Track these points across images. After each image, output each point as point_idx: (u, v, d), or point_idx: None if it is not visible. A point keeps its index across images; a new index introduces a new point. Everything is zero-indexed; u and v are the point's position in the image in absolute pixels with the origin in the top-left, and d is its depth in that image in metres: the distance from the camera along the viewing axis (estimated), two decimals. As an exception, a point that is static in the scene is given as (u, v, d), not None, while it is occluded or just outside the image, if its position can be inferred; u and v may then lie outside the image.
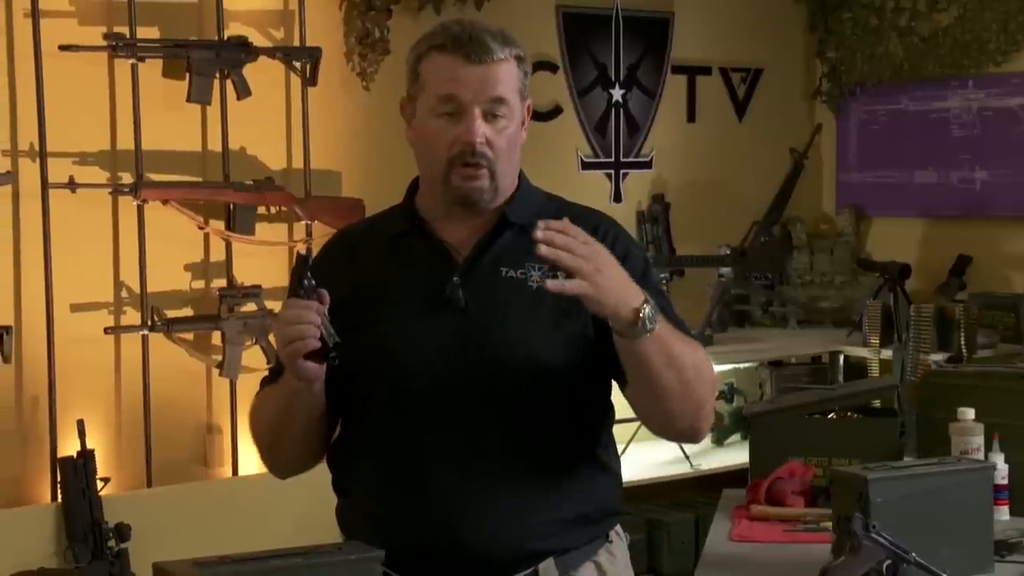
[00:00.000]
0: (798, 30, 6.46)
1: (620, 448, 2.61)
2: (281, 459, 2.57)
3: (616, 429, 2.57)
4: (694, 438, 2.51)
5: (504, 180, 2.46)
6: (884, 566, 2.51)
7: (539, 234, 2.21)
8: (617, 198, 5.91)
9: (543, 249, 2.20)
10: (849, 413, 3.50)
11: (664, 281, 5.75)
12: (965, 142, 6.05)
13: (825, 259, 6.25)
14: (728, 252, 5.75)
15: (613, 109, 5.88)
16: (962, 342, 5.31)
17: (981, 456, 3.11)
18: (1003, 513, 3.13)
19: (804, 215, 6.35)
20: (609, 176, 5.90)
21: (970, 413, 3.15)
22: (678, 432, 2.54)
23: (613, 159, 5.90)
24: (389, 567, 2.35)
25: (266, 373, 2.64)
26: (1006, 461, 3.14)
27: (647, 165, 6.00)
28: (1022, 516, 3.11)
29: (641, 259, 2.50)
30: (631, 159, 5.95)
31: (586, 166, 5.83)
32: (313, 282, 2.32)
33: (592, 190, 5.76)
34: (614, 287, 2.25)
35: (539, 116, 5.62)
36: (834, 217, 6.48)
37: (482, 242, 2.46)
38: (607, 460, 2.53)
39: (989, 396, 3.25)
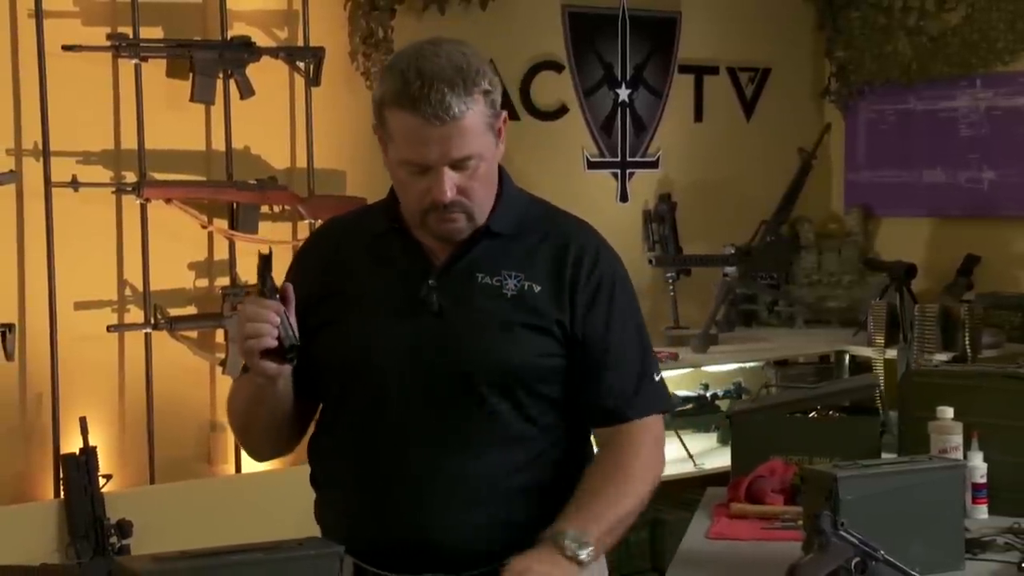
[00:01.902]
0: (806, 29, 6.45)
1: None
2: (254, 444, 2.62)
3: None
4: None
5: (483, 211, 2.45)
6: (852, 563, 2.52)
7: None
8: (623, 197, 5.92)
9: None
10: (831, 412, 3.51)
11: (670, 280, 5.79)
12: (973, 141, 6.04)
13: (833, 259, 6.23)
14: (733, 251, 5.76)
15: (619, 109, 5.88)
16: (966, 342, 5.29)
17: (960, 455, 3.11)
18: (981, 512, 3.13)
19: (812, 215, 6.33)
20: (615, 175, 5.90)
21: (949, 412, 3.15)
22: None
23: (619, 158, 5.90)
24: (361, 560, 2.41)
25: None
26: (985, 460, 3.14)
27: (654, 165, 6.00)
28: (1000, 515, 3.11)
29: (610, 285, 2.49)
30: (637, 159, 5.95)
31: (592, 165, 5.84)
32: (274, 282, 2.35)
33: (598, 189, 5.79)
34: None
35: (545, 115, 5.65)
36: (842, 217, 6.47)
37: (460, 247, 2.47)
38: (577, 468, 2.54)
39: (970, 395, 3.25)
